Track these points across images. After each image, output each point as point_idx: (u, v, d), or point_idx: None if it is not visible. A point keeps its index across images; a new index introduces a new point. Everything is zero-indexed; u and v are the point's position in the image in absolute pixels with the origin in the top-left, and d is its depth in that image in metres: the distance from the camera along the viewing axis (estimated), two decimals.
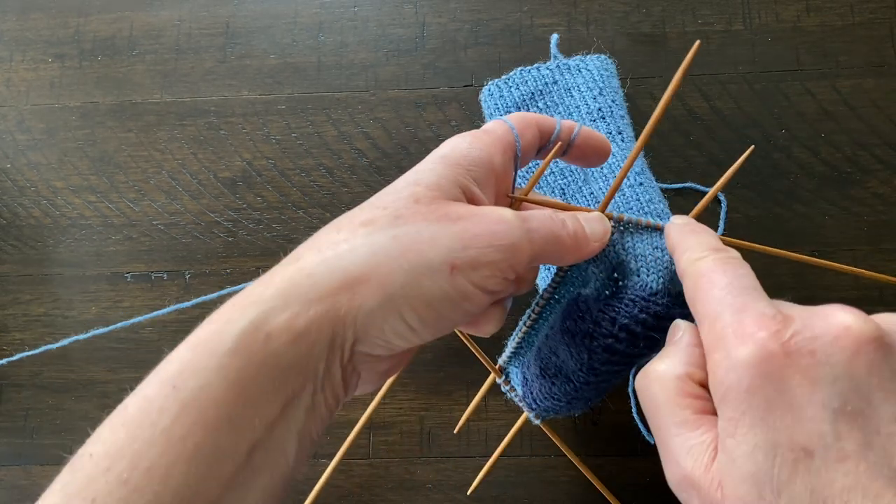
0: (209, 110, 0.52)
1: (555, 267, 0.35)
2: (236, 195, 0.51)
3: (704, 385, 0.25)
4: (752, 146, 0.37)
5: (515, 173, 0.32)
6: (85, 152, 0.52)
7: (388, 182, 0.28)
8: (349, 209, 0.27)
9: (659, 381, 0.26)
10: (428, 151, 0.29)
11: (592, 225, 0.30)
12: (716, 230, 0.47)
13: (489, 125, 0.31)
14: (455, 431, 0.45)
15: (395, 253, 0.25)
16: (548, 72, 0.46)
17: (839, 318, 0.22)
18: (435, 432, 0.46)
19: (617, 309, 0.31)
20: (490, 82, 0.47)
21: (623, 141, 0.42)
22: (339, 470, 0.45)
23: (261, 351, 0.23)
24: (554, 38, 0.49)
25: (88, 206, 0.51)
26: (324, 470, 0.45)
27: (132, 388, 0.24)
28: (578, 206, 0.35)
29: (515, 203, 0.32)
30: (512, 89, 0.46)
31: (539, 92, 0.46)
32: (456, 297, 0.25)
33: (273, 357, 0.23)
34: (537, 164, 0.45)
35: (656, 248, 0.32)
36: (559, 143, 0.32)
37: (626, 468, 0.44)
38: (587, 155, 0.34)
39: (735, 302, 0.24)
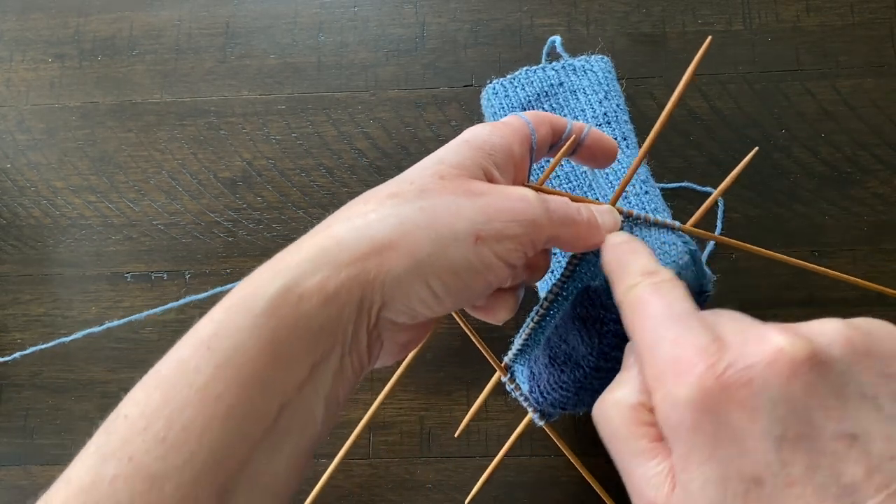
0: (209, 110, 0.52)
1: (558, 272, 0.35)
2: (236, 195, 0.51)
3: None
4: (756, 147, 0.37)
5: (530, 166, 0.33)
6: (85, 152, 0.52)
7: None
8: None
9: (614, 409, 0.26)
10: (428, 151, 0.29)
11: (604, 216, 0.31)
12: (713, 230, 0.47)
13: (506, 118, 0.32)
14: (456, 435, 0.45)
15: (423, 223, 0.26)
16: (553, 73, 0.46)
17: (772, 343, 0.22)
18: (435, 432, 0.46)
19: None
20: (495, 81, 0.47)
21: (628, 147, 0.42)
22: (339, 470, 0.45)
23: (293, 313, 0.24)
24: (556, 39, 0.49)
25: (88, 206, 0.51)
26: (324, 470, 0.45)
27: (132, 389, 0.24)
28: (590, 199, 0.35)
29: None
30: (517, 90, 0.46)
31: (545, 93, 0.46)
32: (480, 266, 0.26)
33: (305, 318, 0.24)
34: (542, 169, 0.45)
35: (664, 242, 0.34)
36: (573, 136, 0.33)
37: None
38: (596, 155, 0.34)
39: (668, 334, 0.24)
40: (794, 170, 0.48)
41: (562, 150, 0.33)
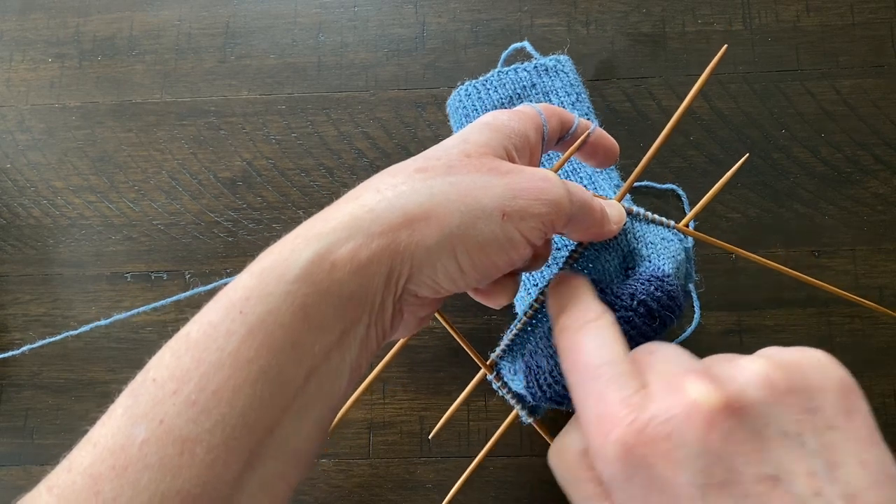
0: (209, 110, 0.52)
1: (543, 281, 0.36)
2: (236, 195, 0.51)
3: None
4: (747, 154, 0.38)
5: (541, 157, 0.33)
6: (85, 152, 0.52)
7: None
8: None
9: (565, 454, 0.27)
10: None
11: (611, 209, 0.33)
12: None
13: (520, 107, 0.32)
14: (430, 437, 0.44)
15: (453, 196, 0.26)
16: (525, 74, 0.46)
17: (689, 395, 0.23)
18: None
19: (635, 287, 0.33)
20: (466, 83, 0.47)
21: None
22: (339, 470, 0.46)
23: (325, 279, 0.24)
24: (525, 44, 0.49)
25: (88, 206, 0.51)
26: (324, 470, 0.45)
27: (158, 352, 0.24)
28: (598, 194, 0.36)
29: None
30: (490, 91, 0.46)
31: (517, 95, 0.46)
32: (505, 242, 0.27)
33: (337, 286, 0.24)
34: (547, 165, 0.45)
35: (664, 238, 0.34)
36: (587, 131, 0.34)
37: None
38: (598, 153, 0.35)
39: (595, 388, 0.25)
40: (794, 170, 0.48)
41: (575, 144, 0.34)
